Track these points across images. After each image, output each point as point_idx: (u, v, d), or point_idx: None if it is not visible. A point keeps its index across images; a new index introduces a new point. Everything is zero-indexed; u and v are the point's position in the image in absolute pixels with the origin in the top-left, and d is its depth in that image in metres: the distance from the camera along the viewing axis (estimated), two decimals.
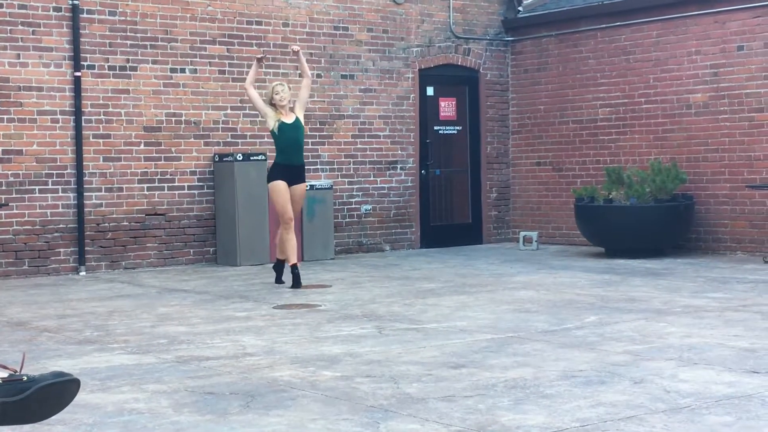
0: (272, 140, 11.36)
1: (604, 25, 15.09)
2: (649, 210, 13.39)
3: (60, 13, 12.65)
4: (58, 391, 3.92)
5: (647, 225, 13.38)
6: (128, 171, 13.10)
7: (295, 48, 11.51)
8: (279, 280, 11.26)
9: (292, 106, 11.19)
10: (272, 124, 11.02)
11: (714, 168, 13.85)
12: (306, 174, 14.12)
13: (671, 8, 14.28)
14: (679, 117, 14.23)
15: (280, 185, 10.97)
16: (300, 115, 11.16)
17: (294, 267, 10.99)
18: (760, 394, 5.74)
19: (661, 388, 5.93)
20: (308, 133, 14.37)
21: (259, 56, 11.49)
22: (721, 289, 10.34)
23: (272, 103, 11.04)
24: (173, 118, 13.39)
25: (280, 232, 11.13)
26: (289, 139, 11.00)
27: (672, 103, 14.29)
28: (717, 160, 13.81)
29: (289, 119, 11.03)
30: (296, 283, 10.89)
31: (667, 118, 14.36)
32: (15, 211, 12.35)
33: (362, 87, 14.94)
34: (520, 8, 16.23)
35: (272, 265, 11.59)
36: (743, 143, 13.55)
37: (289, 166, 11.02)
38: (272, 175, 11.12)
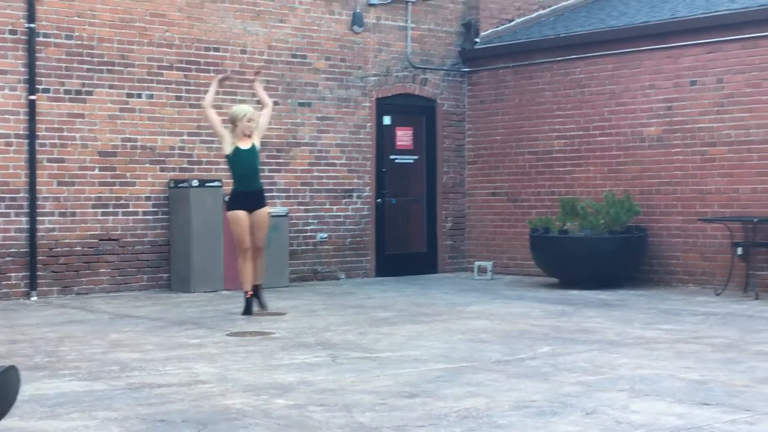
0: (228, 166, 11.29)
1: (559, 58, 15.24)
2: (602, 241, 13.49)
3: (16, 36, 12.57)
4: (1, 384, 3.88)
5: (601, 256, 13.48)
6: (82, 196, 13.01)
7: (256, 79, 11.51)
8: (250, 309, 10.97)
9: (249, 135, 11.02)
10: (228, 149, 10.92)
11: (667, 201, 13.99)
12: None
13: (626, 42, 14.46)
14: (633, 150, 14.37)
15: (238, 214, 10.86)
16: (257, 141, 11.08)
17: (254, 292, 10.97)
18: (710, 425, 5.78)
19: (613, 419, 5.96)
20: (264, 160, 14.34)
21: (221, 76, 11.47)
22: (673, 321, 10.43)
23: (236, 124, 10.86)
24: (129, 144, 13.32)
25: (238, 263, 11.03)
26: (245, 165, 10.92)
27: (626, 135, 14.44)
28: (670, 193, 13.95)
29: (245, 145, 10.91)
30: (248, 310, 10.89)
31: (621, 150, 14.50)
32: None
33: (319, 115, 14.96)
34: (477, 39, 16.36)
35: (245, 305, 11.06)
36: (696, 177, 13.70)
37: (248, 192, 10.93)
38: (231, 204, 10.98)
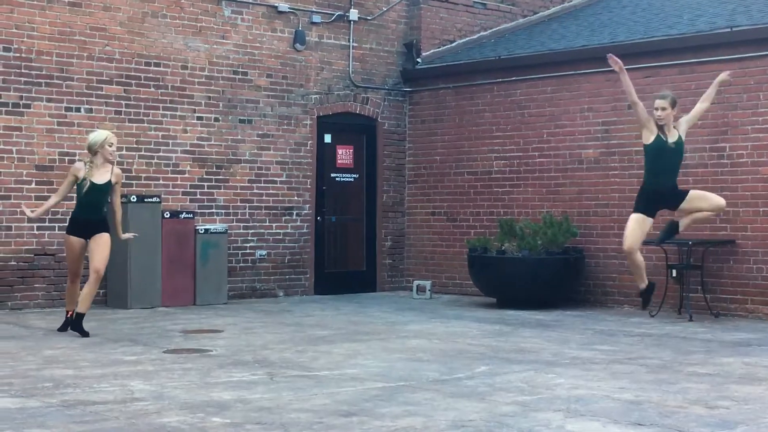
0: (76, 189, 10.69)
1: (500, 80, 15.36)
2: (540, 262, 13.60)
3: None
4: None
5: (538, 277, 13.58)
6: (18, 210, 12.83)
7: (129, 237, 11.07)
8: (65, 328, 10.78)
9: (113, 161, 10.65)
10: (81, 177, 10.50)
11: (604, 222, 14.14)
12: (200, 217, 14.08)
13: (565, 65, 14.62)
14: (571, 172, 14.51)
15: (71, 241, 10.53)
16: (113, 179, 10.60)
17: (75, 316, 10.56)
18: None
19: None
20: (204, 176, 14.31)
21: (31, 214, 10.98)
22: (609, 341, 10.53)
23: (95, 150, 10.47)
24: (66, 158, 13.19)
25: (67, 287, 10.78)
26: (90, 199, 10.52)
27: (564, 157, 14.58)
28: (607, 215, 14.10)
29: (99, 179, 10.50)
30: (78, 329, 10.52)
31: (559, 172, 14.64)
32: None
33: (260, 132, 14.93)
34: (418, 60, 16.44)
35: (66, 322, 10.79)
36: (632, 199, 13.81)
37: (86, 220, 10.54)
38: (68, 228, 10.65)
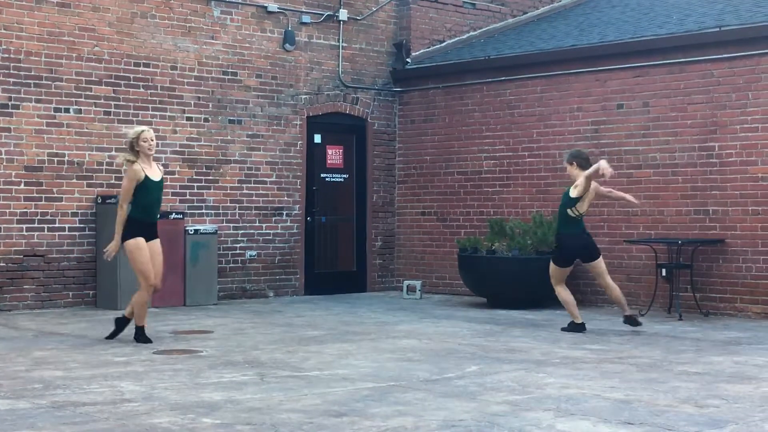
0: (134, 193, 10.10)
1: (489, 79, 15.38)
2: (530, 262, 13.61)
3: None
4: None
5: (528, 276, 13.59)
6: (7, 211, 12.81)
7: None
8: (115, 335, 10.39)
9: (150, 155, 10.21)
10: (140, 175, 10.01)
11: (594, 222, 14.13)
12: (190, 218, 14.09)
13: (555, 65, 14.64)
14: (561, 171, 14.49)
15: (141, 242, 10.02)
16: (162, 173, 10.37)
17: (121, 323, 10.36)
18: None
19: None
20: (193, 177, 14.31)
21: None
22: (599, 341, 10.55)
23: (135, 149, 10.09)
24: (56, 158, 13.16)
25: (141, 296, 10.16)
26: (153, 198, 10.18)
27: (554, 157, 14.60)
28: (597, 214, 14.11)
29: (155, 175, 10.18)
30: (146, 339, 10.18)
31: (549, 172, 14.66)
32: None
33: (250, 132, 14.91)
34: (408, 60, 16.44)
35: (119, 322, 10.47)
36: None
37: (150, 223, 10.22)
38: (131, 232, 10.03)
